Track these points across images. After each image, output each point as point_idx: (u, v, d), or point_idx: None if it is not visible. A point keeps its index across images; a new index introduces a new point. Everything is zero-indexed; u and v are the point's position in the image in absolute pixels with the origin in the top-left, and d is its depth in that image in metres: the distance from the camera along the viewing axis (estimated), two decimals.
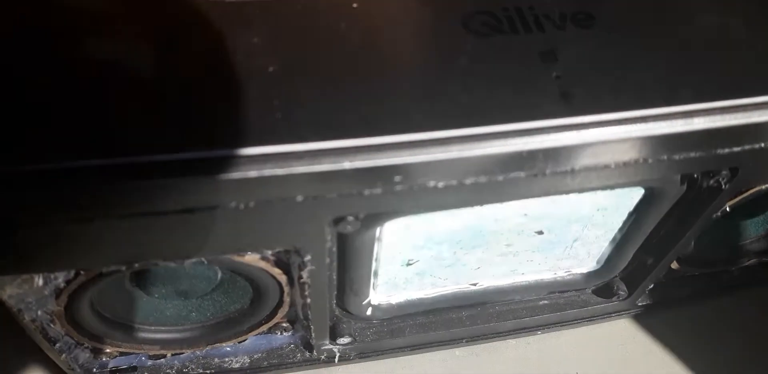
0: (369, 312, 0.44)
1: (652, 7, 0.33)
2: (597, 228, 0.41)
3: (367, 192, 0.29)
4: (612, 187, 0.34)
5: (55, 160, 0.25)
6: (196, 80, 0.28)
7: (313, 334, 0.44)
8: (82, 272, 0.33)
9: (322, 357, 0.47)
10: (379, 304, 0.44)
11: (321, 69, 0.28)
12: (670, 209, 0.39)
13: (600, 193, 0.37)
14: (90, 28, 0.28)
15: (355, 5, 0.30)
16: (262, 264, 0.36)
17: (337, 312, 0.44)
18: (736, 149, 0.33)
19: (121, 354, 0.43)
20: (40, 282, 0.32)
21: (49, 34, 0.28)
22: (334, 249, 0.35)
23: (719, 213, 0.41)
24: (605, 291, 0.49)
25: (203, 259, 0.33)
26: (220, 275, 0.41)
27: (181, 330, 0.43)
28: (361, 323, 0.46)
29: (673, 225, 0.41)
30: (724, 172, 0.35)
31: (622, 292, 0.48)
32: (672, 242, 0.42)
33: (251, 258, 0.35)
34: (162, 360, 0.45)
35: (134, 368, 0.45)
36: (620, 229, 0.42)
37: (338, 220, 0.31)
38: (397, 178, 0.28)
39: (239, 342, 0.46)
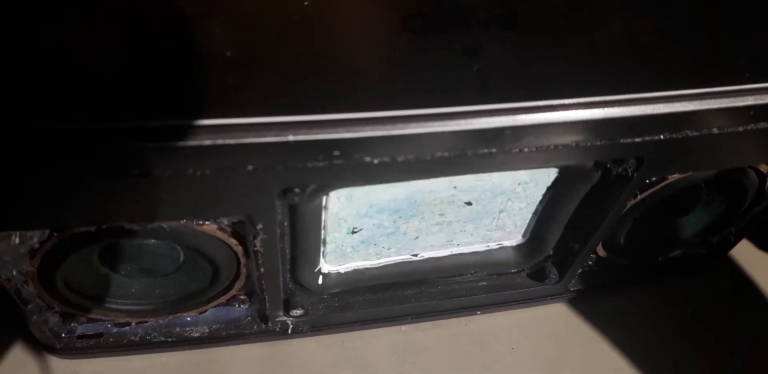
0: (320, 281, 0.48)
1: (569, 11, 0.38)
2: (519, 201, 0.46)
3: (310, 165, 0.33)
4: (530, 168, 0.39)
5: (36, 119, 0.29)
6: (166, 60, 0.32)
7: (267, 305, 0.47)
8: (55, 234, 0.37)
9: (277, 328, 0.51)
10: (329, 273, 0.48)
11: (273, 55, 0.33)
12: (587, 194, 0.44)
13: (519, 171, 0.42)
14: None
15: (306, 3, 0.35)
16: (219, 234, 0.40)
17: (291, 285, 0.48)
18: (639, 139, 0.38)
19: (89, 320, 0.47)
20: (17, 240, 0.36)
21: None
22: (285, 220, 0.39)
23: (636, 204, 0.46)
24: (538, 275, 0.54)
25: (166, 230, 0.37)
26: (182, 255, 0.44)
27: (144, 304, 0.47)
28: (314, 297, 0.50)
29: (591, 210, 0.46)
30: (630, 161, 0.40)
31: (553, 276, 0.53)
32: (592, 228, 0.47)
33: (210, 228, 0.39)
34: (127, 327, 0.49)
35: (100, 334, 0.49)
36: (540, 202, 0.47)
37: (286, 191, 0.36)
38: (336, 153, 0.32)
39: (200, 313, 0.49)
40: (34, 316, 0.44)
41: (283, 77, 0.32)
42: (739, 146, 0.42)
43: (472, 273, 0.52)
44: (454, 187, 0.42)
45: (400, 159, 0.34)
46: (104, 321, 0.48)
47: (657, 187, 0.45)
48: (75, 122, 0.29)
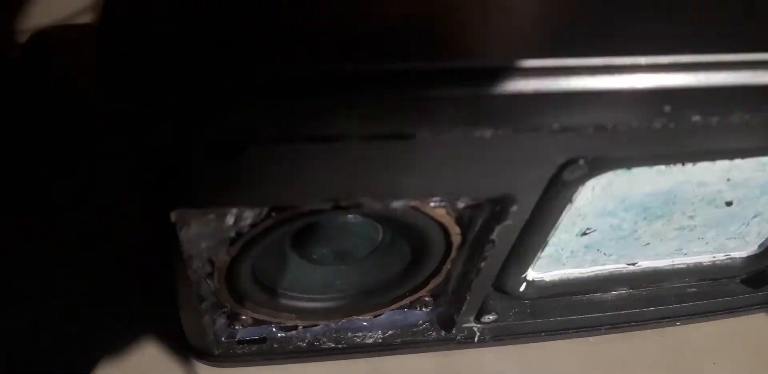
0: (522, 288, 0.41)
1: None
2: None
3: (625, 126, 0.26)
4: None
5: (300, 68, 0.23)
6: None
7: (463, 308, 0.41)
8: (273, 214, 0.30)
9: (459, 337, 0.44)
10: (533, 281, 0.41)
11: None
12: None
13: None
14: None
15: None
16: (445, 220, 0.33)
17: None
18: None
19: (254, 322, 0.40)
20: (231, 220, 0.29)
21: None
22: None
23: None
24: (755, 281, 0.46)
25: (402, 204, 0.31)
26: (381, 236, 0.38)
27: (323, 299, 0.40)
28: (507, 301, 0.43)
29: None
30: None
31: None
32: None
33: (439, 211, 0.33)
34: (293, 332, 0.42)
35: (264, 339, 0.42)
36: None
37: (569, 163, 0.29)
38: (666, 108, 0.25)
39: (375, 317, 0.42)
40: (205, 317, 0.37)
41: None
42: None
43: (686, 281, 0.45)
44: (728, 180, 0.35)
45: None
46: (270, 324, 0.41)
47: None
48: (333, 63, 0.23)
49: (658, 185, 0.34)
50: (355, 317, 0.42)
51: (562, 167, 0.29)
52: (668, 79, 0.25)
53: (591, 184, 0.33)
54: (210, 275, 0.34)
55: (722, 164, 0.34)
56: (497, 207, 0.31)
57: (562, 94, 0.24)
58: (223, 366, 0.43)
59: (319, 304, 0.40)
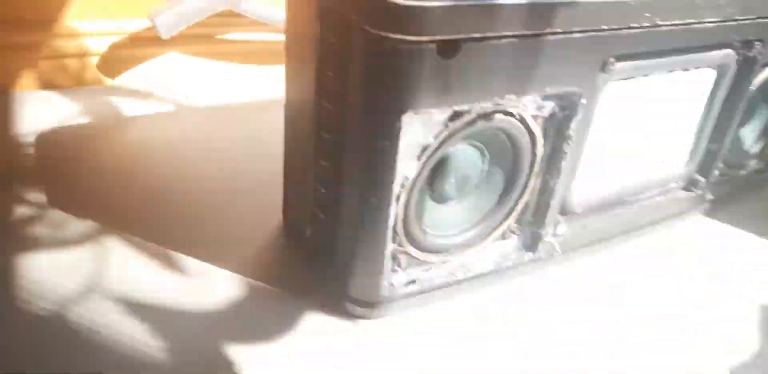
0: (575, 201, 0.57)
1: None
2: (692, 114, 0.61)
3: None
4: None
5: None
6: None
7: (546, 222, 0.55)
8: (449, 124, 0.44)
9: (543, 253, 0.57)
10: (579, 196, 0.57)
11: None
12: (730, 88, 0.60)
13: (695, 73, 0.58)
14: None
15: None
16: (536, 129, 0.49)
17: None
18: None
19: (407, 263, 0.50)
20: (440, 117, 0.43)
21: None
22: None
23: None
24: (690, 186, 0.67)
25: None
26: (485, 163, 0.52)
27: (450, 235, 0.52)
28: (567, 219, 0.58)
29: (728, 107, 0.62)
30: (757, 44, 0.58)
31: (701, 183, 0.67)
32: (726, 125, 0.63)
33: (530, 121, 0.49)
34: (432, 271, 0.52)
35: (413, 281, 0.51)
36: (703, 116, 0.62)
37: (606, 61, 0.48)
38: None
39: (481, 252, 0.55)
40: (387, 249, 0.47)
41: None
42: None
43: (653, 191, 0.64)
44: (665, 91, 0.57)
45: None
46: (414, 265, 0.51)
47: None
48: None
49: (633, 96, 0.55)
50: (470, 249, 0.54)
51: (604, 63, 0.48)
52: None
53: (604, 95, 0.52)
54: (398, 198, 0.45)
55: (664, 76, 0.55)
56: (570, 103, 0.49)
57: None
58: (386, 315, 0.51)
59: (448, 240, 0.52)
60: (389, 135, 0.42)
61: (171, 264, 0.54)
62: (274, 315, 0.50)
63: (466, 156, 0.50)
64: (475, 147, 0.50)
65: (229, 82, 0.96)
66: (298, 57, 0.51)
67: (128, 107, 0.84)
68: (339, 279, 0.50)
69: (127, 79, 0.92)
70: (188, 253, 0.56)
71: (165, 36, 0.84)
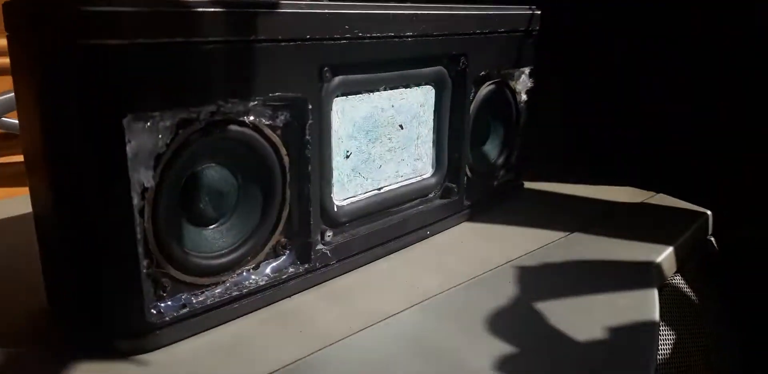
0: (335, 209, 0.60)
1: None
2: (423, 126, 0.69)
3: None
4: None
5: None
6: None
7: (311, 230, 0.57)
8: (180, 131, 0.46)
9: (317, 264, 0.58)
10: (340, 206, 0.60)
11: None
12: (451, 102, 0.69)
13: (416, 90, 0.66)
14: None
15: None
16: (275, 139, 0.53)
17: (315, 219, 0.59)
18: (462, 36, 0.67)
19: (172, 289, 0.49)
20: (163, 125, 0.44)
21: None
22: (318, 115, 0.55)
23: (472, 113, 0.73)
24: (446, 193, 0.74)
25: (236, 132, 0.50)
26: (238, 182, 0.53)
27: (215, 256, 0.52)
28: (334, 230, 0.60)
29: (456, 118, 0.71)
30: (462, 58, 0.68)
31: (454, 190, 0.74)
32: (460, 133, 0.72)
33: (269, 132, 0.52)
34: (204, 294, 0.51)
35: (184, 305, 0.49)
36: (434, 129, 0.70)
37: (321, 68, 0.53)
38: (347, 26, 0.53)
39: (255, 269, 0.55)
40: (151, 276, 0.46)
41: None
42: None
43: (412, 199, 0.70)
44: (392, 106, 0.64)
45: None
46: (182, 291, 0.50)
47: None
48: None
49: (364, 110, 0.61)
50: (242, 269, 0.54)
51: (319, 71, 0.53)
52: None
53: (335, 109, 0.57)
54: (141, 212, 0.45)
55: (388, 93, 0.62)
56: (298, 109, 0.53)
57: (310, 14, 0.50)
58: (160, 345, 0.48)
59: (215, 261, 0.52)
60: (112, 141, 0.42)
61: None
62: None
63: (215, 173, 0.51)
64: (223, 164, 0.52)
65: None
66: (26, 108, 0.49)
67: None
68: (103, 317, 0.47)
69: None
70: None
71: None
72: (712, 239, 0.83)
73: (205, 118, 0.47)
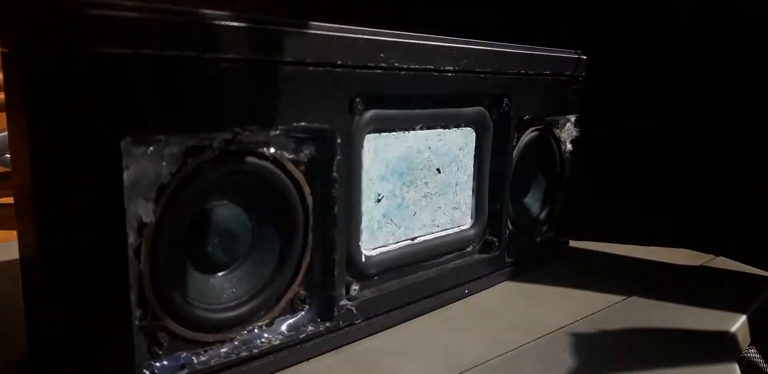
0: (363, 259, 0.52)
1: None
2: (463, 172, 0.62)
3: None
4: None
5: None
6: None
7: (335, 282, 0.49)
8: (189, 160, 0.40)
9: (341, 323, 0.50)
10: (368, 256, 0.53)
11: None
12: (493, 147, 0.63)
13: (456, 132, 0.60)
14: None
15: None
16: (298, 175, 0.47)
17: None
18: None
19: (170, 346, 0.41)
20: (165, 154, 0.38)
21: None
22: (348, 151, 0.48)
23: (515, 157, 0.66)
24: (485, 247, 0.66)
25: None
26: (251, 224, 0.46)
27: (223, 309, 0.45)
28: (360, 283, 0.53)
29: (498, 164, 0.64)
30: (504, 99, 0.63)
31: (495, 244, 0.66)
32: (502, 182, 0.65)
33: (291, 167, 0.46)
34: (207, 354, 0.43)
35: (183, 366, 0.42)
36: (474, 176, 0.63)
37: (352, 100, 0.47)
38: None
39: (269, 326, 0.47)
40: (145, 329, 0.39)
41: None
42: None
43: (448, 252, 0.62)
44: (428, 148, 0.58)
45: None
46: (183, 350, 0.42)
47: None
48: None
49: (398, 150, 0.54)
50: (253, 325, 0.46)
51: (350, 102, 0.47)
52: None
53: (367, 147, 0.51)
54: (137, 252, 0.38)
55: (425, 133, 0.56)
56: (325, 142, 0.47)
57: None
58: None
59: (222, 315, 0.44)
60: (107, 166, 0.36)
61: None
62: None
63: (226, 211, 0.45)
64: (237, 202, 0.45)
65: None
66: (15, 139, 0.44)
67: None
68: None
69: None
70: None
71: None
72: None
73: (219, 146, 0.41)
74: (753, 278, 0.75)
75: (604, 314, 0.61)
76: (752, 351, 0.62)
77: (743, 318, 0.61)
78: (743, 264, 0.79)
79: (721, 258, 0.81)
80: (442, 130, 0.59)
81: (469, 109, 0.61)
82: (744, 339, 0.60)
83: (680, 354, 0.53)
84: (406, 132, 0.55)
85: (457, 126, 0.61)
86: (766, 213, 0.86)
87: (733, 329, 0.58)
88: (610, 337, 0.55)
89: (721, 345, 0.56)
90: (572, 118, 0.75)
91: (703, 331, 0.58)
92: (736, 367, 0.52)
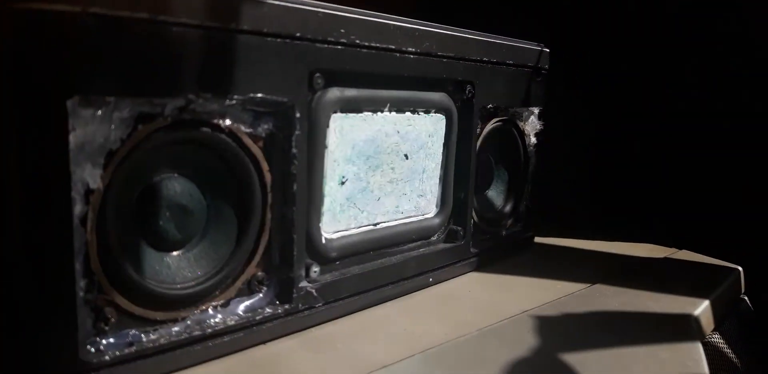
0: (323, 241, 0.51)
1: None
2: (431, 160, 0.61)
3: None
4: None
5: None
6: None
7: (294, 263, 0.48)
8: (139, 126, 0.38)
9: (300, 305, 0.49)
10: (329, 239, 0.52)
11: None
12: (457, 135, 0.63)
13: (425, 118, 0.59)
14: None
15: None
16: (256, 151, 0.45)
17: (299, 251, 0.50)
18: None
19: (118, 323, 0.39)
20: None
21: None
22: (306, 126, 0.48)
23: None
24: (450, 237, 0.65)
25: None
26: (206, 199, 0.45)
27: (178, 287, 0.43)
28: (321, 266, 0.51)
29: (461, 153, 0.64)
30: (468, 86, 0.63)
31: (460, 233, 0.65)
32: (465, 171, 0.64)
33: (248, 141, 0.45)
34: (157, 332, 0.41)
35: (131, 344, 0.40)
36: (442, 164, 0.63)
37: (312, 74, 0.47)
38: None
39: (224, 306, 0.46)
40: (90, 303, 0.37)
41: None
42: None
43: (412, 240, 0.61)
44: (397, 132, 0.57)
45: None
46: (131, 327, 0.40)
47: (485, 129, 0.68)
48: None
49: (366, 132, 0.54)
50: (207, 305, 0.44)
51: (310, 76, 0.47)
52: None
53: (333, 126, 0.50)
54: (84, 220, 0.36)
55: (394, 116, 0.56)
56: (285, 117, 0.46)
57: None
58: None
59: (174, 292, 0.43)
60: (52, 126, 0.34)
61: None
62: None
63: (178, 185, 0.43)
64: (190, 177, 0.44)
65: None
66: None
67: None
68: (26, 352, 0.38)
69: None
70: None
71: None
72: (746, 298, 0.74)
73: (171, 114, 0.40)
74: (716, 268, 0.75)
75: (568, 299, 0.60)
76: (716, 336, 0.62)
77: (706, 302, 0.61)
78: (707, 257, 0.80)
79: (685, 251, 0.82)
80: (411, 114, 0.58)
81: (434, 94, 0.60)
82: (708, 324, 0.60)
83: (644, 335, 0.52)
84: (375, 114, 0.54)
85: (427, 112, 0.60)
86: (729, 206, 0.87)
87: (696, 312, 0.58)
88: (574, 320, 0.55)
89: (685, 327, 0.55)
90: (536, 111, 0.76)
91: (666, 314, 0.58)
92: (699, 346, 0.52)
